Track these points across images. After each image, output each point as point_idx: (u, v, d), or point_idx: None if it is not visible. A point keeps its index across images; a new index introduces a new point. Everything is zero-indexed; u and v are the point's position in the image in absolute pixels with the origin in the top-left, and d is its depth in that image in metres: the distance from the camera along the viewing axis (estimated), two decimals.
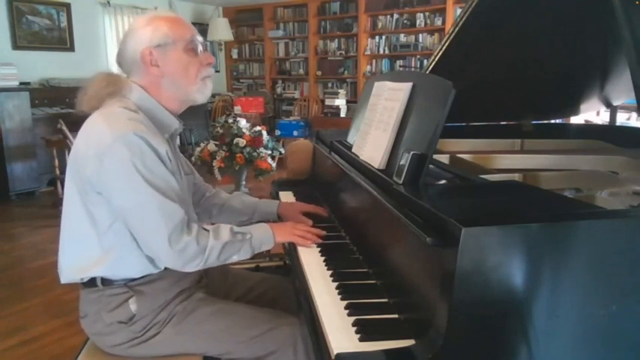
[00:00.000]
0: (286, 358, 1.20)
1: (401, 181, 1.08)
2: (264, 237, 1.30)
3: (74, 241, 1.24)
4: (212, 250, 1.18)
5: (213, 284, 1.43)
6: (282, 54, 7.64)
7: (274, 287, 1.53)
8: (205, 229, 1.22)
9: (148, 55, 1.21)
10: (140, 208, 1.13)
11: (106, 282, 1.22)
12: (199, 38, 1.27)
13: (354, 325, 0.95)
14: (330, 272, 1.20)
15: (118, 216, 1.16)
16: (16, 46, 5.32)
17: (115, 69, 1.33)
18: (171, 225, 1.13)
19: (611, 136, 2.02)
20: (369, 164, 1.29)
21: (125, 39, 1.25)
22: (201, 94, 1.29)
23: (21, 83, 4.95)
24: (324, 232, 1.39)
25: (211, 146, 3.72)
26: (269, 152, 3.83)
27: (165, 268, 1.25)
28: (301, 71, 7.43)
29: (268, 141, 3.89)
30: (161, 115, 1.26)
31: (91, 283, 1.23)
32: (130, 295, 1.22)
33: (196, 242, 1.16)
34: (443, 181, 1.20)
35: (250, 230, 1.28)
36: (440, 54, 1.72)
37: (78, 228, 1.21)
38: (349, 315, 0.99)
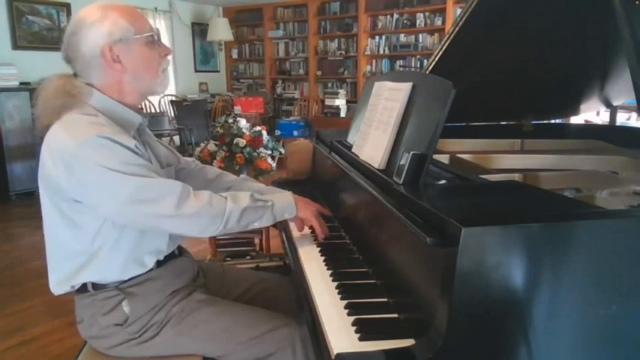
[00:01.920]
0: (285, 359, 1.20)
1: (401, 181, 1.08)
2: (286, 205, 1.29)
3: (58, 251, 1.23)
4: (231, 214, 1.17)
5: (211, 283, 1.43)
6: (282, 54, 7.64)
7: (273, 286, 1.53)
8: (221, 196, 1.20)
9: (109, 51, 1.15)
10: (132, 199, 1.10)
11: (97, 286, 1.22)
12: (156, 29, 1.24)
13: (353, 324, 0.95)
14: (330, 272, 1.20)
15: (114, 219, 1.15)
16: (16, 46, 5.32)
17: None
18: (174, 196, 1.11)
19: (611, 136, 2.02)
20: (369, 164, 1.29)
21: (75, 34, 1.16)
22: (162, 87, 1.28)
23: (21, 83, 4.95)
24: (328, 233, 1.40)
25: (211, 146, 3.72)
26: (269, 152, 3.82)
27: (156, 268, 1.25)
28: (301, 71, 7.43)
29: (268, 141, 3.88)
30: (122, 114, 1.21)
31: (83, 288, 1.23)
32: (122, 298, 1.21)
33: (210, 206, 1.15)
34: (443, 181, 1.20)
35: (272, 198, 1.28)
36: (440, 54, 1.72)
37: (60, 238, 1.20)
38: (349, 315, 0.99)
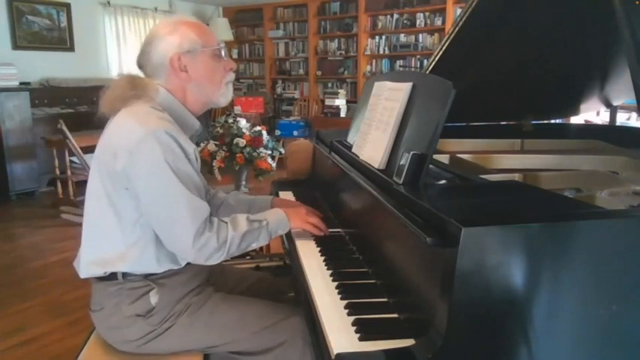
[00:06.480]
0: (295, 348, 1.21)
1: (401, 181, 1.08)
2: (279, 222, 1.33)
3: (97, 237, 1.25)
4: (232, 241, 1.21)
5: (215, 281, 1.44)
6: (282, 54, 7.63)
7: (274, 286, 1.55)
8: (223, 221, 1.23)
9: (177, 60, 1.24)
10: (169, 201, 1.14)
11: (127, 275, 1.23)
12: (222, 44, 1.31)
13: (353, 324, 0.95)
14: (330, 272, 1.20)
15: (144, 211, 1.17)
16: (16, 46, 5.31)
17: (126, 71, 1.34)
18: (198, 221, 1.15)
19: (611, 136, 2.02)
20: (369, 164, 1.29)
21: (149, 44, 1.27)
22: (224, 98, 1.35)
23: (21, 83, 4.95)
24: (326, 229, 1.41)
25: (211, 146, 3.72)
26: (269, 152, 3.82)
27: (186, 264, 1.27)
28: (301, 71, 7.42)
29: (268, 141, 3.89)
30: (184, 116, 1.29)
31: (111, 276, 1.24)
32: (150, 288, 1.23)
33: (217, 237, 1.18)
34: (443, 181, 1.20)
35: (265, 216, 1.31)
36: (440, 54, 1.72)
37: (102, 223, 1.22)
38: (349, 315, 0.99)
